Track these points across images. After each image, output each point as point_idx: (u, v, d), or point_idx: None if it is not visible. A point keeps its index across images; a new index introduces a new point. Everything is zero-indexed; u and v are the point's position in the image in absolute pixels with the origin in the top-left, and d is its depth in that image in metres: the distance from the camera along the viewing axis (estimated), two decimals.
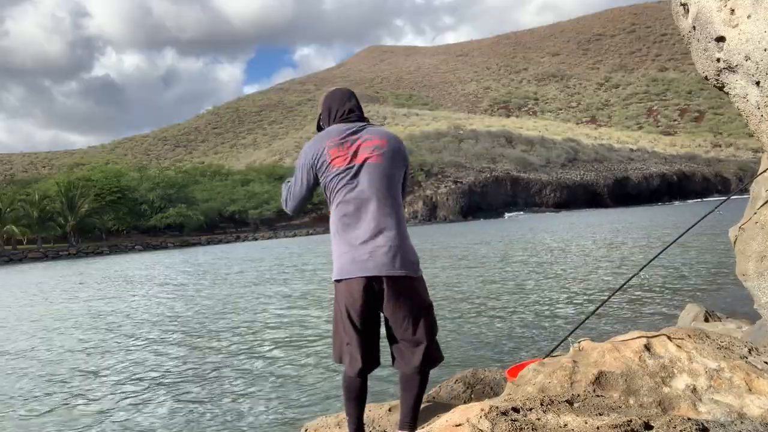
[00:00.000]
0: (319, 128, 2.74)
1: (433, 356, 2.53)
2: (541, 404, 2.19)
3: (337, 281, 2.48)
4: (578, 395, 2.34)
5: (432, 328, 2.56)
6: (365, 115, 2.74)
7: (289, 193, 2.69)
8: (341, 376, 2.61)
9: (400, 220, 2.51)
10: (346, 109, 2.68)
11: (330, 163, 2.50)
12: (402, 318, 2.46)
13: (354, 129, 2.58)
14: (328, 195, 2.55)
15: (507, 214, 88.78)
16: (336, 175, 2.49)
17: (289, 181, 2.71)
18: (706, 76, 3.03)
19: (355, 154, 2.50)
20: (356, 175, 2.49)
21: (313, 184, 2.61)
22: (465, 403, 3.07)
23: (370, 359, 2.53)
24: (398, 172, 2.57)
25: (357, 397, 2.58)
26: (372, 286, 2.42)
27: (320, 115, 2.76)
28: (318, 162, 2.54)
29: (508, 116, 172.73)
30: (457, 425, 2.06)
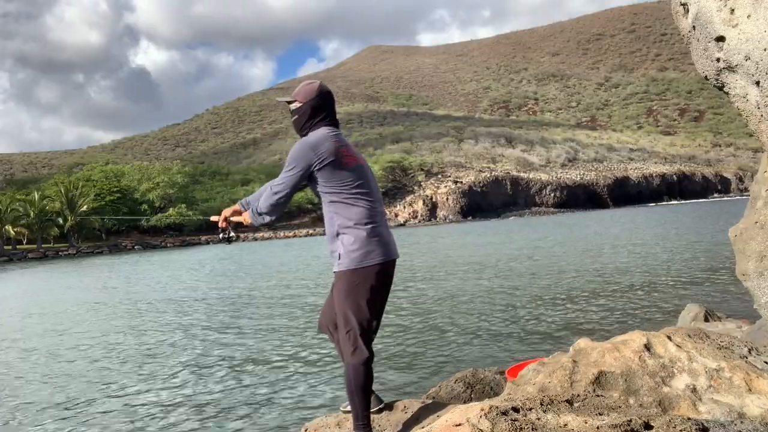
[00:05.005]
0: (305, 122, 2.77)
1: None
2: (541, 404, 2.19)
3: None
4: (578, 395, 2.34)
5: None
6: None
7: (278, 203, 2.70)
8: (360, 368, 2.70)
9: None
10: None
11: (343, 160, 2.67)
12: None
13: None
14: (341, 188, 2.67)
15: (506, 215, 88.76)
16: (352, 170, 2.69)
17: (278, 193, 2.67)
18: (706, 76, 3.03)
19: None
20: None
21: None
22: (465, 402, 3.07)
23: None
24: None
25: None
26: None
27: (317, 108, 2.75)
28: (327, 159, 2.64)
29: (508, 116, 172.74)
30: (457, 425, 2.06)
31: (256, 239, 66.97)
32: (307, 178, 2.62)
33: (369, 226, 2.61)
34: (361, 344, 2.60)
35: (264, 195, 2.71)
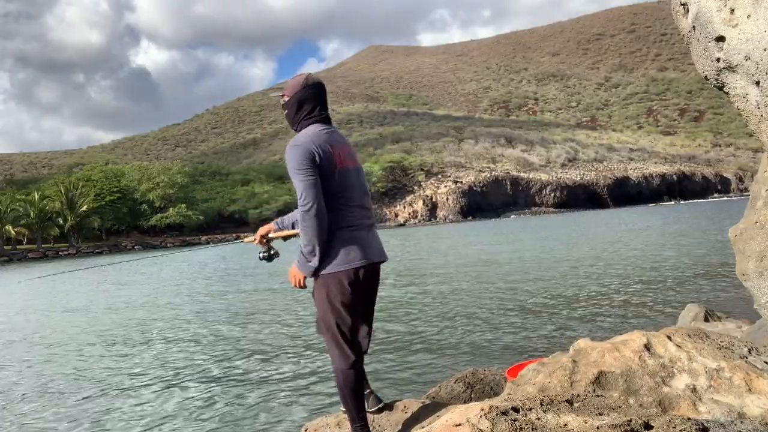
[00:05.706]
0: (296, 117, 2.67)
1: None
2: (541, 404, 2.19)
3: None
4: (578, 395, 2.34)
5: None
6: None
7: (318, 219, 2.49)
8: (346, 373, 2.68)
9: None
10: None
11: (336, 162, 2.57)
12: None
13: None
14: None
15: (506, 215, 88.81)
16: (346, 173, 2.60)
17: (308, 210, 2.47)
18: (706, 76, 3.03)
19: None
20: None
21: None
22: (465, 402, 3.07)
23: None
24: None
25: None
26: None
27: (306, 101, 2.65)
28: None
29: (508, 116, 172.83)
30: (457, 425, 2.06)
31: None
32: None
33: (348, 229, 2.54)
34: (345, 348, 2.56)
35: (300, 228, 2.55)
